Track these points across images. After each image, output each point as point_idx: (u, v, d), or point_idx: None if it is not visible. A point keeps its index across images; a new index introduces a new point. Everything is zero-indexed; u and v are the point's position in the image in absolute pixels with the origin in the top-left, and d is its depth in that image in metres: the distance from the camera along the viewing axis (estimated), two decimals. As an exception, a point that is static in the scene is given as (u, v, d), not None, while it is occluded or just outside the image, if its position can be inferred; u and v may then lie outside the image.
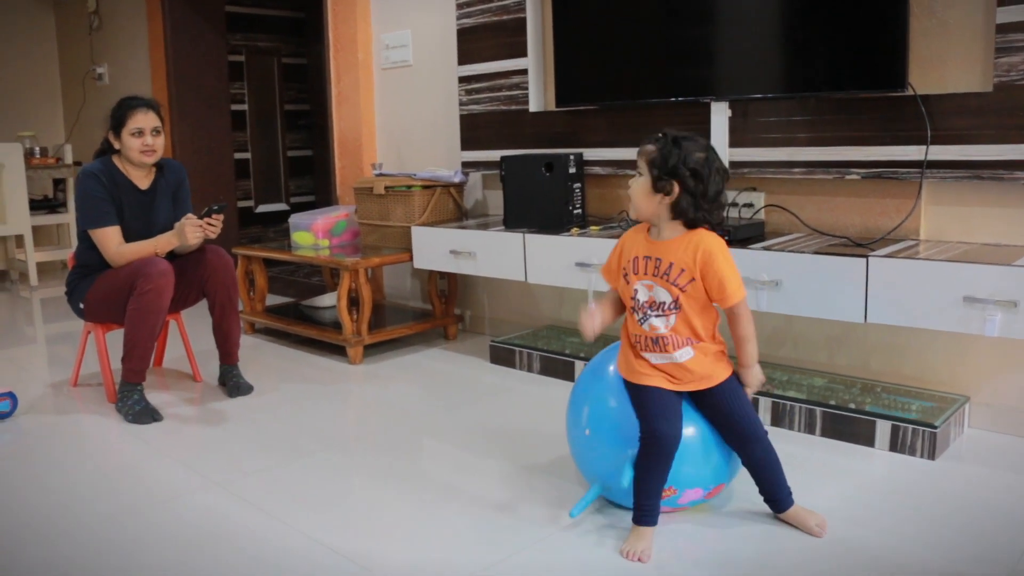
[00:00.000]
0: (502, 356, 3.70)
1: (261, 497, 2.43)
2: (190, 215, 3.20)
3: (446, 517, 2.27)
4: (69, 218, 6.53)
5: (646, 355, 2.14)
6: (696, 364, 2.11)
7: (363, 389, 3.49)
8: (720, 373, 2.13)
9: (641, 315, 2.13)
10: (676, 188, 2.04)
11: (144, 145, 3.24)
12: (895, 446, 2.59)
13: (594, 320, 2.23)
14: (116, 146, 3.28)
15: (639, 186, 2.11)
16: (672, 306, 2.09)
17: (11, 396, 3.20)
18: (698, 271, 2.06)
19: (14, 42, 7.20)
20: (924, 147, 2.70)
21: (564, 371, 3.44)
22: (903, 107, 2.73)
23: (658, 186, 2.06)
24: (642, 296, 2.13)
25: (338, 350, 3.99)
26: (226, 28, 6.41)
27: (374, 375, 3.65)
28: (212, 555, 2.11)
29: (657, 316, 2.11)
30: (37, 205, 6.44)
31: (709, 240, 2.07)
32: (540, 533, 2.16)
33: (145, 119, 3.24)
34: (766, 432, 2.13)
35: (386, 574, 1.99)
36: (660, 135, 2.10)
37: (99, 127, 3.31)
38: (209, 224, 3.17)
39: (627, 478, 2.11)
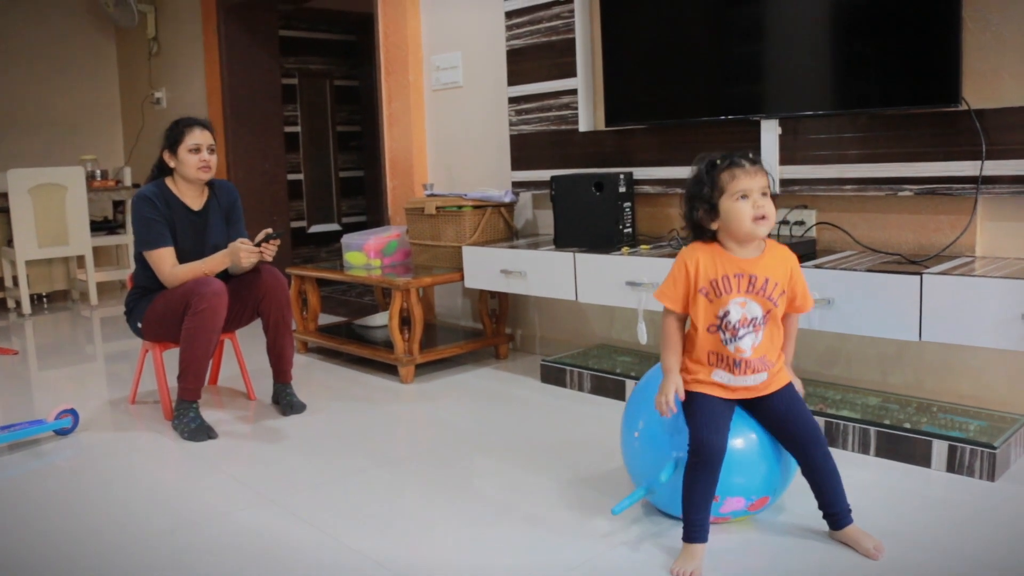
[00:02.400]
0: (553, 375, 3.70)
1: (314, 514, 2.45)
2: (245, 240, 3.25)
3: (498, 534, 2.28)
4: (128, 239, 6.67)
5: (716, 375, 2.13)
6: (762, 385, 2.13)
7: (414, 408, 3.51)
8: (780, 380, 2.15)
9: (729, 335, 2.10)
10: None
11: (201, 161, 3.31)
12: (952, 467, 2.54)
13: (680, 388, 2.15)
14: (171, 164, 3.35)
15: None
16: (762, 320, 2.10)
17: (72, 413, 3.28)
18: (788, 283, 2.12)
19: (78, 70, 7.40)
20: (979, 162, 2.66)
21: (615, 390, 3.43)
22: (956, 122, 2.70)
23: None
24: (735, 315, 2.09)
25: (390, 369, 4.02)
26: (280, 52, 6.53)
27: (425, 394, 3.67)
28: (265, 570, 2.13)
29: (748, 334, 2.09)
30: (97, 226, 6.59)
31: (788, 251, 2.16)
32: (591, 551, 2.15)
33: (202, 136, 3.32)
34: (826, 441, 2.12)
35: (437, 591, 2.00)
36: (754, 158, 2.10)
37: (157, 150, 3.39)
38: (265, 248, 3.23)
39: (666, 474, 2.13)
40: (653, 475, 2.19)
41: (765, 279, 2.09)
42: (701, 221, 2.11)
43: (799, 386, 2.22)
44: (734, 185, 2.04)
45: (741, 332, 2.09)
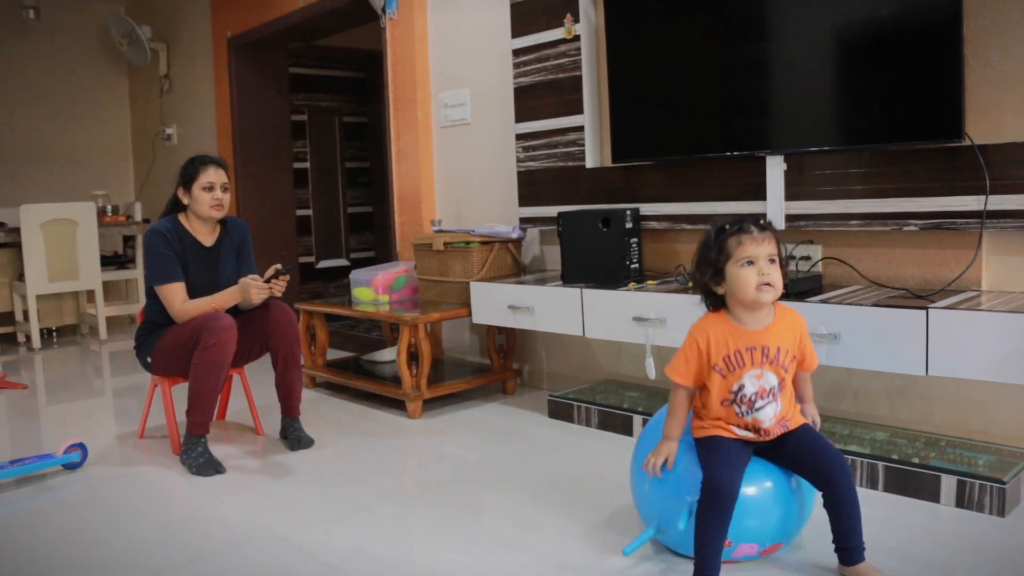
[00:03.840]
0: (560, 410, 3.70)
1: (321, 549, 2.45)
2: (255, 276, 3.28)
3: (507, 570, 2.27)
4: (137, 274, 6.71)
5: (738, 430, 2.14)
6: (778, 431, 2.16)
7: (422, 443, 3.51)
8: (796, 420, 2.18)
9: (744, 408, 2.12)
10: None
11: (214, 199, 3.35)
12: (962, 502, 2.53)
13: (671, 457, 2.18)
14: (185, 201, 3.38)
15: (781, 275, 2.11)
16: (779, 389, 2.12)
17: (81, 447, 3.29)
18: (798, 349, 2.15)
19: (91, 106, 7.50)
20: (983, 197, 2.68)
21: (622, 425, 3.43)
22: (960, 157, 2.72)
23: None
24: (750, 388, 2.10)
25: (398, 404, 4.02)
26: (289, 88, 6.59)
27: (433, 429, 3.67)
28: (273, 606, 2.13)
29: (768, 404, 2.11)
30: (107, 261, 6.64)
31: (797, 314, 2.18)
32: (598, 588, 2.15)
33: (216, 175, 3.35)
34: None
35: (444, 627, 1.99)
36: (765, 224, 2.11)
37: (167, 185, 3.43)
38: (275, 284, 3.25)
39: (683, 523, 2.12)
40: (664, 517, 2.19)
41: (777, 348, 2.11)
42: (708, 285, 2.13)
43: (816, 419, 2.25)
44: (740, 251, 2.05)
45: (759, 404, 2.11)
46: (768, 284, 2.04)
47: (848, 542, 2.10)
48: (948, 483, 2.55)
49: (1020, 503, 2.54)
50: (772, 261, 2.05)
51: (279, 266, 3.28)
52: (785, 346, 2.12)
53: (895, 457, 2.69)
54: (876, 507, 2.57)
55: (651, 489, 2.25)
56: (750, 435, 2.14)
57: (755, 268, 2.04)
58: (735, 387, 2.11)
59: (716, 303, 2.16)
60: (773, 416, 2.12)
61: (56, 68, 7.29)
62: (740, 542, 2.13)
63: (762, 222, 2.10)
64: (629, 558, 2.28)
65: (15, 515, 2.83)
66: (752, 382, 2.10)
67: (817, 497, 2.17)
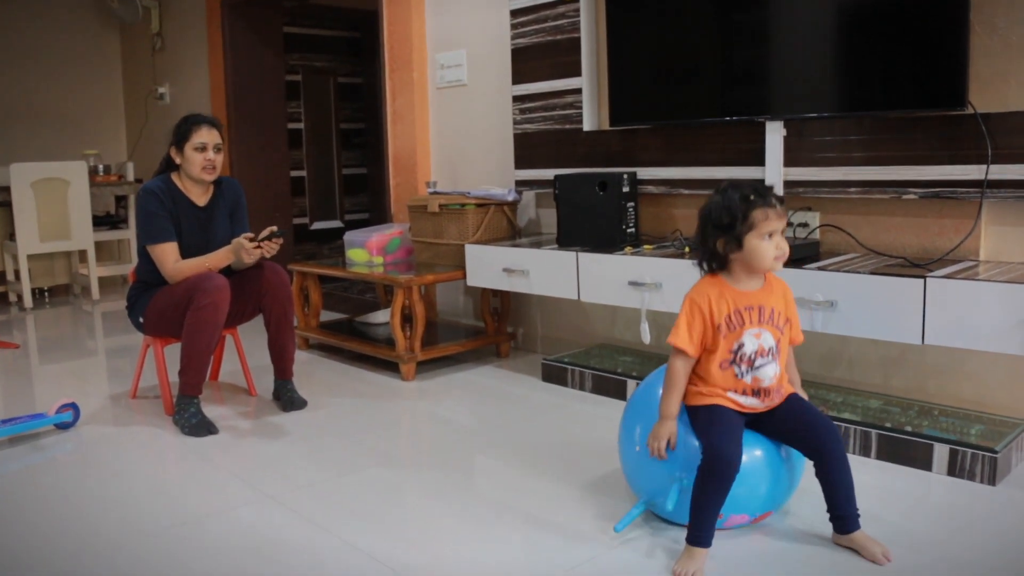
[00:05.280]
0: (554, 374, 3.70)
1: (314, 511, 2.45)
2: (249, 235, 3.25)
3: (498, 534, 2.28)
4: (130, 234, 6.67)
5: (739, 397, 2.14)
6: (776, 400, 2.18)
7: (415, 405, 3.51)
8: (786, 389, 2.20)
9: (744, 367, 2.11)
10: None
11: (206, 160, 3.31)
12: (954, 470, 2.54)
13: (674, 437, 2.16)
14: (177, 161, 3.35)
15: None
16: (777, 350, 2.13)
17: (73, 407, 3.28)
18: (789, 312, 2.18)
19: (82, 64, 7.41)
20: (984, 166, 2.66)
21: (616, 390, 3.43)
22: (962, 126, 2.69)
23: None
24: (750, 347, 2.11)
25: (391, 366, 4.02)
26: (283, 48, 6.52)
27: (426, 392, 3.67)
28: (264, 567, 2.13)
29: (768, 364, 2.11)
30: (100, 221, 6.59)
31: (786, 284, 2.22)
32: (591, 551, 2.15)
33: (209, 135, 3.31)
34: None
35: (437, 590, 2.00)
36: (774, 196, 2.09)
37: (160, 145, 3.39)
38: (267, 246, 3.23)
39: (673, 501, 2.12)
40: (655, 490, 2.19)
41: (772, 309, 2.13)
42: (719, 250, 2.11)
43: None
44: (766, 225, 2.06)
45: (759, 362, 2.11)
46: (783, 255, 2.10)
47: (841, 510, 2.10)
48: (940, 452, 2.56)
49: (1011, 472, 2.55)
50: (783, 233, 2.10)
51: (274, 228, 3.26)
52: (779, 308, 2.15)
53: (888, 425, 2.69)
54: (869, 475, 2.58)
55: (641, 463, 2.24)
56: (750, 402, 2.13)
57: (774, 241, 2.07)
58: (735, 346, 2.11)
59: (719, 266, 2.14)
60: (773, 376, 2.12)
61: (45, 25, 7.19)
62: (731, 513, 2.13)
63: (775, 193, 2.10)
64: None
65: (7, 474, 2.83)
66: (751, 340, 2.10)
67: (808, 466, 2.17)
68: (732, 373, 2.12)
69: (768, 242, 2.07)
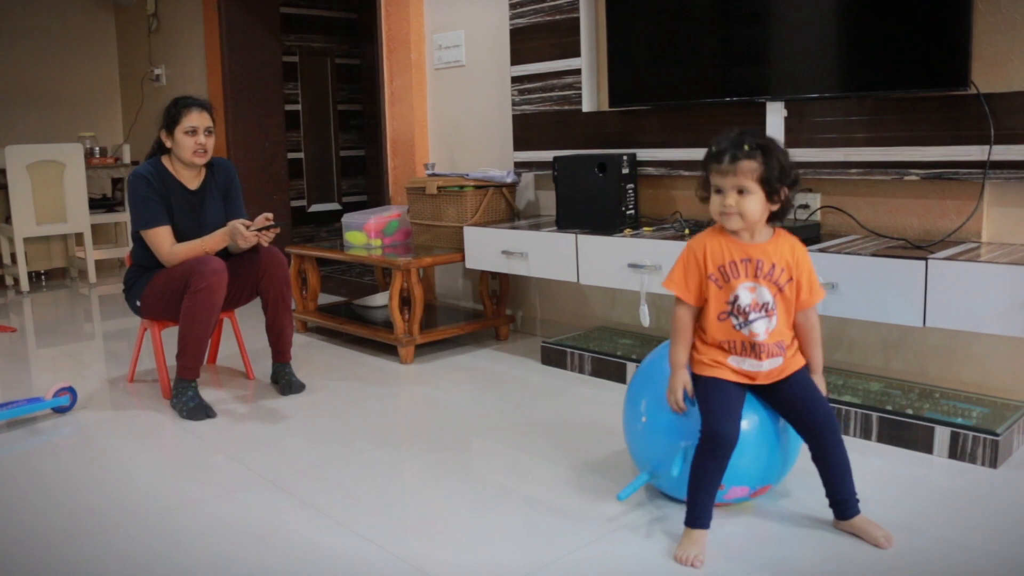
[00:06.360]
0: (553, 357, 3.68)
1: (312, 494, 2.44)
2: (245, 221, 3.22)
3: (498, 517, 2.27)
4: (126, 217, 6.63)
5: (732, 360, 2.12)
6: (777, 370, 2.12)
7: (414, 389, 3.50)
8: (794, 364, 2.14)
9: (740, 320, 2.09)
10: (785, 192, 2.07)
11: (197, 144, 3.28)
12: (955, 453, 2.53)
13: (688, 384, 2.15)
14: (168, 144, 3.32)
15: (757, 203, 2.04)
16: (773, 305, 2.10)
17: (70, 391, 3.26)
18: (795, 270, 2.11)
19: (77, 46, 7.35)
20: (987, 147, 2.64)
21: (615, 372, 3.42)
22: (965, 106, 2.67)
23: (774, 198, 2.06)
24: (744, 299, 2.09)
25: (389, 350, 4.00)
26: (280, 29, 6.48)
27: (425, 375, 3.66)
28: (263, 551, 2.12)
29: (761, 319, 2.09)
30: (96, 204, 6.57)
31: (797, 240, 2.15)
32: (592, 534, 2.14)
33: (199, 118, 3.28)
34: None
35: (438, 573, 1.99)
36: (744, 145, 2.03)
37: (156, 127, 3.36)
38: (262, 236, 3.21)
39: (677, 468, 2.12)
40: (659, 460, 2.19)
41: (771, 264, 2.09)
42: (701, 197, 2.15)
43: (823, 387, 2.19)
44: (716, 180, 2.07)
45: (752, 316, 2.08)
46: (727, 214, 2.06)
47: (839, 495, 2.10)
48: (941, 434, 2.55)
49: (1012, 455, 2.54)
50: (741, 192, 2.03)
51: (270, 216, 3.23)
52: (780, 264, 2.10)
53: (889, 408, 2.68)
54: (869, 458, 2.57)
55: (645, 433, 2.25)
56: (749, 364, 2.11)
57: (720, 197, 2.06)
58: (731, 298, 2.10)
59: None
60: (766, 331, 2.09)
61: (40, 6, 7.13)
62: (732, 485, 2.13)
63: (746, 147, 2.03)
64: (622, 503, 2.29)
65: (4, 458, 2.82)
66: (746, 293, 2.09)
67: (806, 450, 2.16)
68: (730, 324, 2.10)
69: (716, 197, 2.07)
